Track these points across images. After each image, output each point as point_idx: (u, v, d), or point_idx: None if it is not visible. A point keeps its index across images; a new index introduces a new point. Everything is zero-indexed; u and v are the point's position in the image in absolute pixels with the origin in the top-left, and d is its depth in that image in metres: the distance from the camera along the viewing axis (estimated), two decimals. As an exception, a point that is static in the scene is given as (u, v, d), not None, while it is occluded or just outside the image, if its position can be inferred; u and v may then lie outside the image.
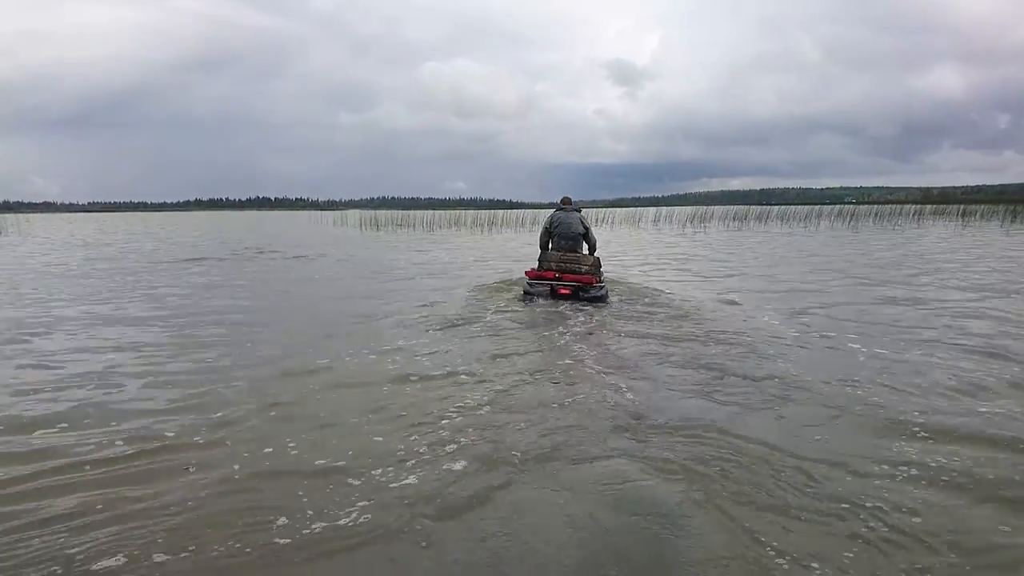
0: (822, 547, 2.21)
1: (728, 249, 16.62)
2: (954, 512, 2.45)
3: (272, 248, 17.77)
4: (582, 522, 2.39)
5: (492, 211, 37.52)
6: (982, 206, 34.58)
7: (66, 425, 3.42)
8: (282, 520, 2.42)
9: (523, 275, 8.04)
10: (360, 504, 2.53)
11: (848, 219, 31.33)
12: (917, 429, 3.26)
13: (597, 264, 7.59)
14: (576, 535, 2.31)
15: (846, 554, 2.17)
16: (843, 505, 2.48)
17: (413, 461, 2.92)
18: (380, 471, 2.83)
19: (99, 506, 2.52)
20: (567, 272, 7.46)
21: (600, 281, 7.55)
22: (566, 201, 8.03)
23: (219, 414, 3.58)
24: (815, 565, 2.11)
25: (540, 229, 8.17)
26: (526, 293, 7.54)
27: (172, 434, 3.30)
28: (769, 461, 2.88)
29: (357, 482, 2.73)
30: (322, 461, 2.94)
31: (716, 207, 44.27)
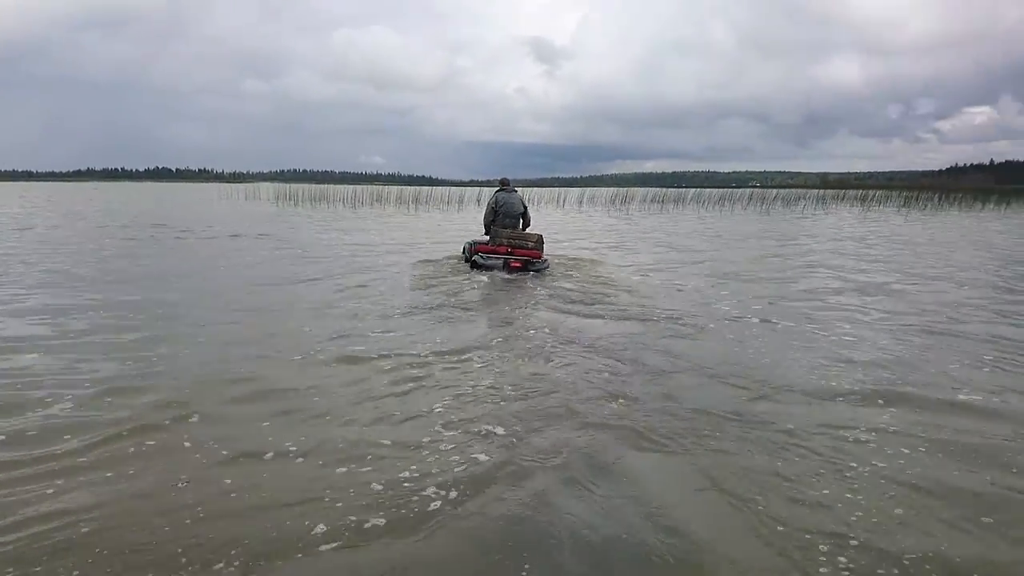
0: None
1: (667, 231, 16.97)
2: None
3: (185, 226, 16.41)
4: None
5: (416, 188, 36.72)
6: (877, 192, 37.14)
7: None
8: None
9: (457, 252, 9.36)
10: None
11: (759, 203, 32.85)
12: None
13: (541, 240, 8.53)
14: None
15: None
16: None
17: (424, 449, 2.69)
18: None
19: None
20: (517, 247, 8.38)
21: (543, 256, 8.51)
22: (505, 182, 9.01)
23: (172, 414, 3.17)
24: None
25: (486, 208, 9.03)
26: (477, 265, 8.33)
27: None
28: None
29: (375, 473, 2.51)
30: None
31: (636, 189, 45.24)
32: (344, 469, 2.75)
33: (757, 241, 14.29)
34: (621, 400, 3.60)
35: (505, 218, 8.80)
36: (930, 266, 9.73)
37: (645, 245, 13.04)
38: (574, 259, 10.01)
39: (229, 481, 2.63)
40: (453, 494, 2.53)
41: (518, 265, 8.21)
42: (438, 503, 2.47)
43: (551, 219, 21.61)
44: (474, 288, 7.27)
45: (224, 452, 2.89)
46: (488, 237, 8.82)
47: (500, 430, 3.17)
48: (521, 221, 8.94)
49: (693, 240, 14.47)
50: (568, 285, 7.46)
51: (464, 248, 9.30)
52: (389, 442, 3.01)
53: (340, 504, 2.46)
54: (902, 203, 31.85)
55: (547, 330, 5.23)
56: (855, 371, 4.21)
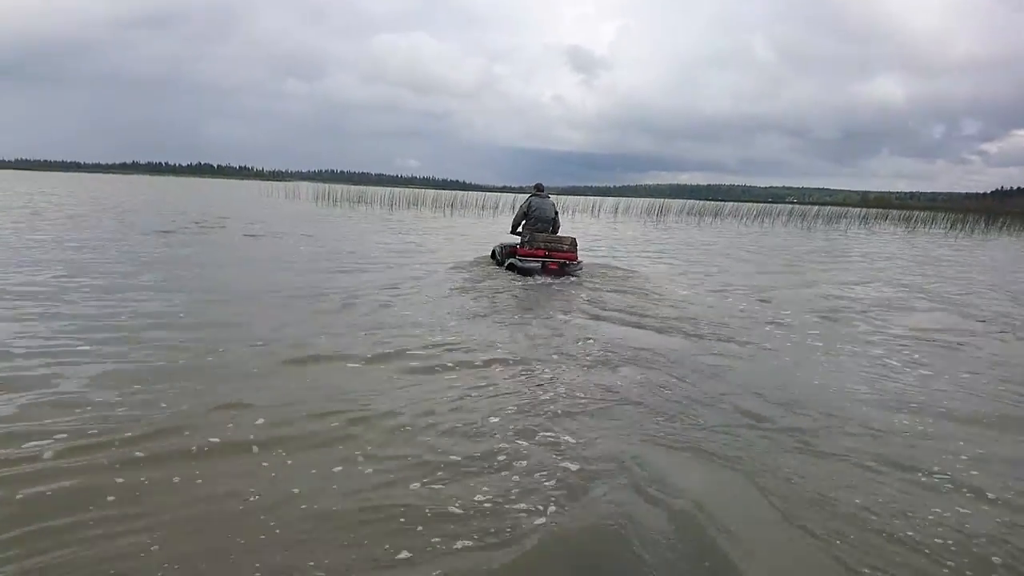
0: None
1: (717, 246, 16.75)
2: None
3: (249, 222, 16.80)
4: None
5: (453, 192, 36.94)
6: (922, 212, 36.15)
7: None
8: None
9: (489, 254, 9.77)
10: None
11: (800, 219, 32.26)
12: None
13: (575, 243, 8.75)
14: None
15: None
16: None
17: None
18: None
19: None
20: (554, 250, 8.56)
21: (578, 259, 8.71)
22: (539, 188, 9.27)
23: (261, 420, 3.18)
24: None
25: (517, 211, 9.20)
26: (516, 268, 8.53)
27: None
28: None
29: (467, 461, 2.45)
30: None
31: (672, 201, 44.85)
32: (417, 484, 2.64)
33: (808, 254, 13.98)
34: (684, 416, 3.51)
35: (538, 222, 8.96)
36: (989, 288, 9.39)
37: (687, 257, 12.84)
38: (620, 270, 9.89)
39: (297, 490, 2.53)
40: (536, 507, 2.46)
41: (555, 267, 8.43)
42: (523, 518, 2.39)
43: (588, 229, 21.51)
44: (516, 294, 7.24)
45: (289, 462, 2.78)
46: (516, 239, 8.98)
47: (570, 439, 3.12)
48: (553, 226, 9.09)
49: (738, 255, 14.21)
50: (613, 295, 7.36)
51: (494, 251, 9.57)
52: (459, 456, 2.90)
53: (421, 527, 2.32)
54: (949, 226, 30.90)
55: (597, 339, 5.15)
56: (928, 398, 4.05)
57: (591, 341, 5.11)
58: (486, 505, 2.49)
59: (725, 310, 6.86)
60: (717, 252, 14.64)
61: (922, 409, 3.82)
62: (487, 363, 4.36)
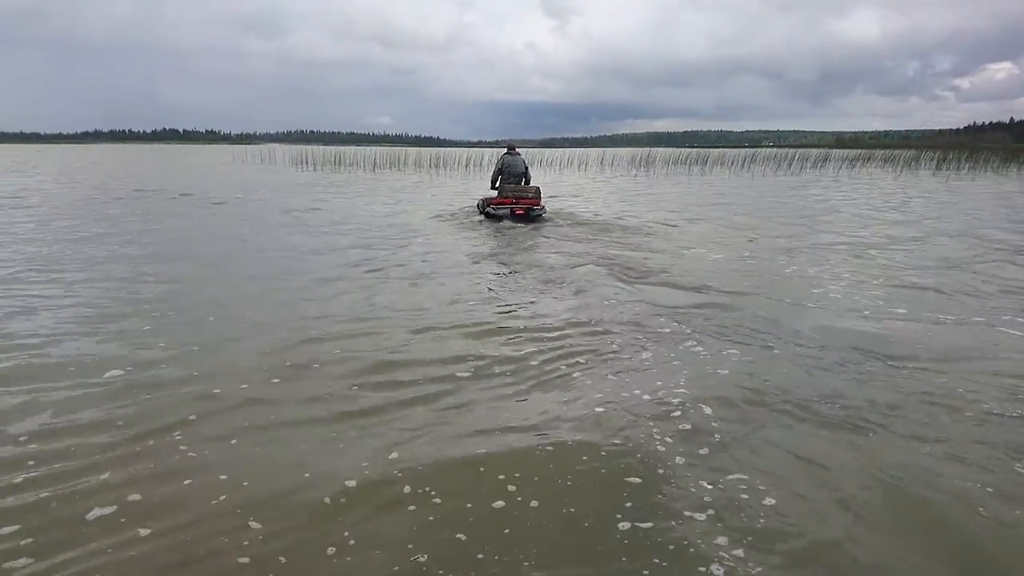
0: None
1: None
2: None
3: (236, 194, 16.13)
4: None
5: (436, 150, 36.09)
6: (907, 152, 36.20)
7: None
8: None
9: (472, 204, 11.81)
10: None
11: (787, 165, 32.05)
12: None
13: (539, 192, 10.41)
14: None
15: None
16: None
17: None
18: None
19: None
20: (520, 198, 10.18)
21: (541, 204, 10.32)
22: (511, 148, 10.86)
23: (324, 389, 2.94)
24: None
25: (493, 169, 10.94)
26: (489, 215, 10.28)
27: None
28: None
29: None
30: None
31: (657, 150, 44.35)
32: (536, 503, 2.44)
33: (831, 205, 13.84)
34: (766, 385, 3.33)
35: (510, 177, 10.55)
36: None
37: (704, 214, 12.61)
38: (644, 228, 9.81)
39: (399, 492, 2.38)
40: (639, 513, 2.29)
41: (522, 212, 10.01)
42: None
43: (582, 184, 21.14)
44: (539, 261, 6.99)
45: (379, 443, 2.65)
46: (495, 192, 10.56)
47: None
48: (524, 179, 10.65)
49: (758, 207, 14.02)
50: (641, 256, 7.15)
51: (478, 203, 11.29)
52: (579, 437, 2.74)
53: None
54: (935, 166, 30.99)
55: (673, 315, 4.95)
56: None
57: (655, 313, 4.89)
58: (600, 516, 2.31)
59: (789, 276, 6.67)
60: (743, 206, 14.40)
61: None
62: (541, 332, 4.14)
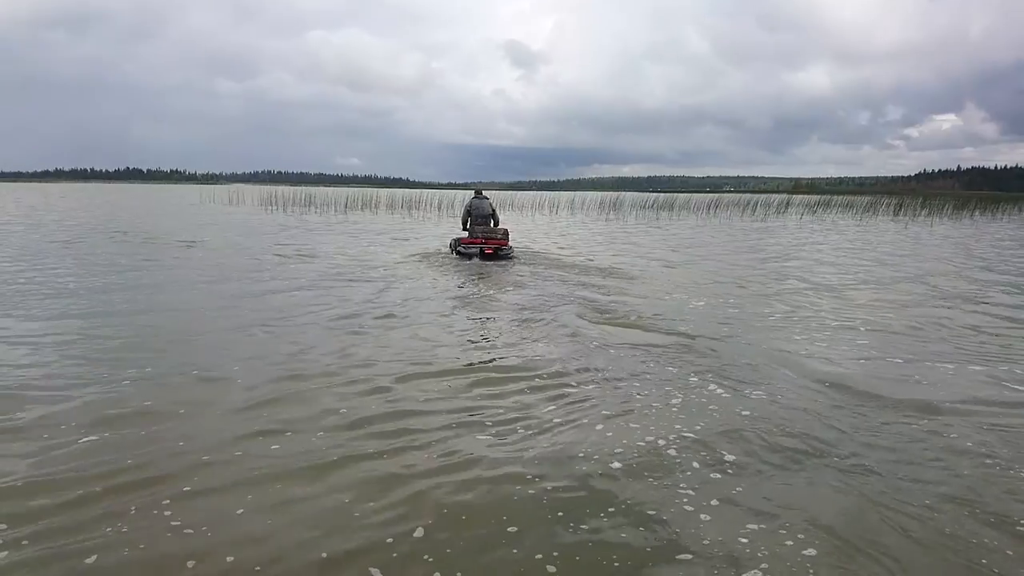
0: None
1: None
2: None
3: (191, 239, 15.77)
4: None
5: (409, 192, 36.14)
6: (865, 198, 37.58)
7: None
8: None
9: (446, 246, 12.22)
10: None
11: (752, 209, 32.91)
12: None
13: (507, 233, 11.19)
14: None
15: None
16: None
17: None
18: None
19: None
20: (489, 239, 10.83)
21: (509, 245, 11.01)
22: (478, 192, 12.05)
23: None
24: None
25: (462, 211, 11.90)
26: (460, 253, 10.87)
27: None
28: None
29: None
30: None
31: (625, 194, 45.24)
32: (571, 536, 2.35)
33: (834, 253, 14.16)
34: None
35: (479, 218, 11.42)
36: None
37: (685, 257, 12.77)
38: (609, 268, 9.76)
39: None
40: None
41: (491, 251, 10.62)
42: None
43: (554, 226, 21.33)
44: (516, 296, 6.92)
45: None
46: (466, 232, 11.33)
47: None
48: (492, 220, 11.51)
49: (730, 250, 14.26)
50: (621, 299, 7.14)
51: (450, 243, 11.91)
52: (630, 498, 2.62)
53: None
54: (892, 212, 32.21)
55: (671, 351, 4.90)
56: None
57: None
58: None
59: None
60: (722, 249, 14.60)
61: None
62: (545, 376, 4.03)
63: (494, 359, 4.80)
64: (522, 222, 22.98)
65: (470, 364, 4.64)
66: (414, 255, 11.55)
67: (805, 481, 2.88)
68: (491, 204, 11.72)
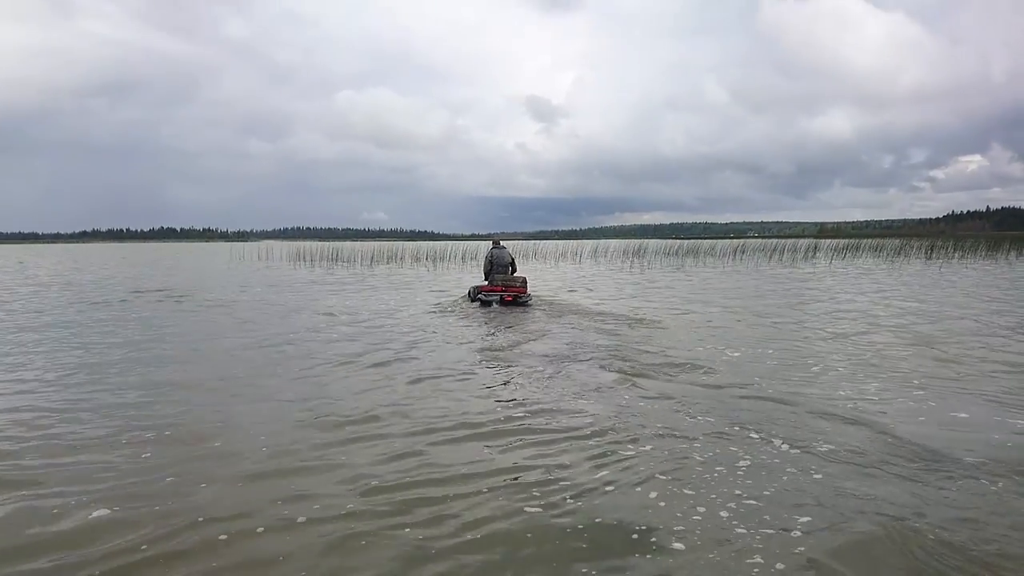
0: None
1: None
2: None
3: (211, 297, 15.90)
4: None
5: (433, 244, 36.46)
6: (894, 241, 36.87)
7: None
8: None
9: (466, 293, 12.50)
10: None
11: (779, 254, 32.42)
12: None
13: (525, 281, 11.69)
14: None
15: None
16: None
17: None
18: None
19: None
20: (509, 286, 11.37)
21: (527, 292, 11.53)
22: (496, 242, 12.55)
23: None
24: None
25: (484, 261, 12.22)
26: (482, 301, 11.28)
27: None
28: None
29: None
30: None
31: (648, 241, 45.11)
32: None
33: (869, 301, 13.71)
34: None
35: (498, 266, 11.92)
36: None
37: (707, 303, 12.43)
38: (639, 319, 9.45)
39: None
40: None
41: (510, 299, 11.12)
42: None
43: (578, 275, 21.14)
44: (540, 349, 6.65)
45: None
46: (487, 281, 11.83)
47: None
48: (510, 268, 11.99)
49: (760, 294, 13.87)
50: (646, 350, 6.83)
51: (469, 291, 12.24)
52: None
53: None
54: (925, 254, 31.46)
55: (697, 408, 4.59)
56: None
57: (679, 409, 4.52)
58: None
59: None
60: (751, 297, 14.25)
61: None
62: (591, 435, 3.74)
63: (527, 415, 4.52)
64: (547, 271, 22.86)
65: (505, 419, 4.37)
66: (438, 305, 11.70)
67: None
68: (510, 253, 12.25)
